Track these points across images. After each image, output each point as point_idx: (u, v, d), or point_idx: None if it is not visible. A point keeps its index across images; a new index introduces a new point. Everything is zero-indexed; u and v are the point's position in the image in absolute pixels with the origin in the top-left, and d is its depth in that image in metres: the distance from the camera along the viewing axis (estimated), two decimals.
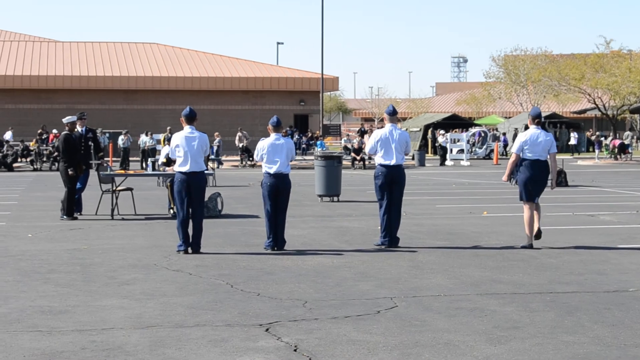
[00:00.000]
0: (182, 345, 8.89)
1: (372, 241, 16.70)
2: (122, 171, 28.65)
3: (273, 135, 15.89)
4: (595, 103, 74.24)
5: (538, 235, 15.74)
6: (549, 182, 16.12)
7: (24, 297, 11.43)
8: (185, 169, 15.36)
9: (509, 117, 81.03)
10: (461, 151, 56.30)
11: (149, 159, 28.97)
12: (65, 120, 21.56)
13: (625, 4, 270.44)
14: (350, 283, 12.38)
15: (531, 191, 15.73)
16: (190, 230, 15.33)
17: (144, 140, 52.93)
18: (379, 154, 15.98)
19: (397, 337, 9.17)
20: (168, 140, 30.27)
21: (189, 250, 15.23)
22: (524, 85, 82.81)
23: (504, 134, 67.63)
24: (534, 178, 15.72)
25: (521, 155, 15.77)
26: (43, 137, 54.92)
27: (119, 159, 51.58)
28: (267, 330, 9.53)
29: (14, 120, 64.57)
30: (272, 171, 15.64)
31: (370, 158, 52.07)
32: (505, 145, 65.81)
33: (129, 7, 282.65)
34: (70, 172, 20.79)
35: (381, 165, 15.95)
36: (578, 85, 73.96)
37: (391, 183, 15.93)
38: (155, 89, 67.32)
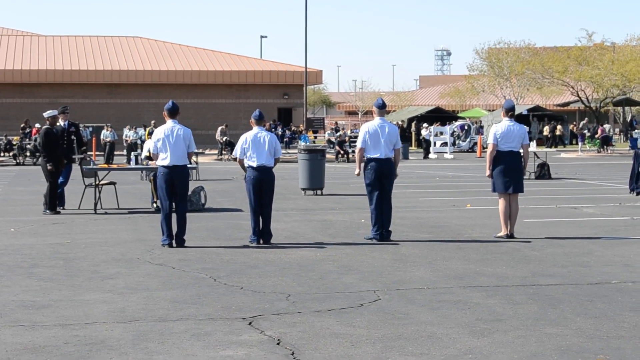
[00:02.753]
0: (165, 339, 8.88)
1: (356, 234, 16.72)
2: (105, 165, 28.58)
3: (255, 129, 15.87)
4: (578, 96, 74.45)
5: (511, 237, 15.96)
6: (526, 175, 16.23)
7: (7, 291, 11.41)
8: (167, 162, 15.32)
9: (493, 110, 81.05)
10: (445, 144, 56.37)
11: (132, 153, 28.85)
12: (46, 114, 21.47)
13: None
14: (334, 276, 12.39)
15: (506, 182, 15.88)
16: (174, 224, 15.30)
17: (127, 134, 52.83)
18: (369, 148, 15.92)
19: (380, 330, 9.18)
20: (151, 134, 30.19)
21: (173, 244, 15.21)
22: (507, 78, 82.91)
23: (481, 127, 67.65)
24: (509, 168, 15.88)
25: (497, 146, 15.92)
26: (26, 132, 54.75)
27: (102, 153, 51.44)
28: (250, 323, 9.53)
29: None
30: (255, 164, 15.61)
31: (353, 152, 52.20)
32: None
33: (112, 1, 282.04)
34: (49, 167, 20.71)
35: (370, 159, 15.92)
36: (561, 78, 74.16)
37: (381, 177, 15.90)
38: (139, 83, 67.19)
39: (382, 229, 15.90)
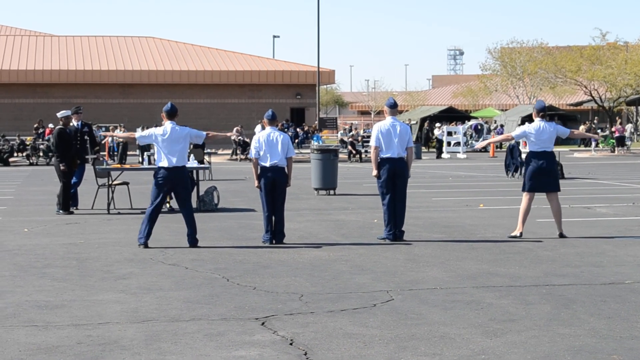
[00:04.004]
0: (178, 339, 8.89)
1: (368, 234, 16.72)
2: (118, 165, 28.60)
3: (268, 129, 15.88)
4: (591, 95, 74.28)
5: (561, 236, 16.12)
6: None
7: (20, 291, 11.44)
8: (166, 164, 15.31)
9: (505, 110, 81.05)
10: (457, 144, 56.29)
11: (145, 153, 28.89)
12: (59, 114, 21.53)
13: None
14: (347, 276, 12.39)
15: (534, 183, 15.96)
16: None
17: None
18: (382, 148, 15.90)
19: (393, 331, 9.18)
20: None
21: (148, 244, 15.23)
22: (520, 77, 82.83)
23: (502, 125, 67.55)
24: (541, 169, 15.91)
25: (528, 147, 16.16)
26: (39, 132, 54.89)
27: (116, 153, 51.51)
28: (263, 324, 9.53)
29: (11, 114, 64.53)
30: (268, 164, 15.62)
31: (366, 151, 52.15)
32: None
33: (125, 1, 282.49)
34: (62, 167, 20.77)
35: (383, 158, 15.91)
36: (574, 77, 74.01)
37: (394, 176, 15.87)
38: (152, 83, 67.30)
39: (395, 229, 15.90)
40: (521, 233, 16.08)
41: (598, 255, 14.09)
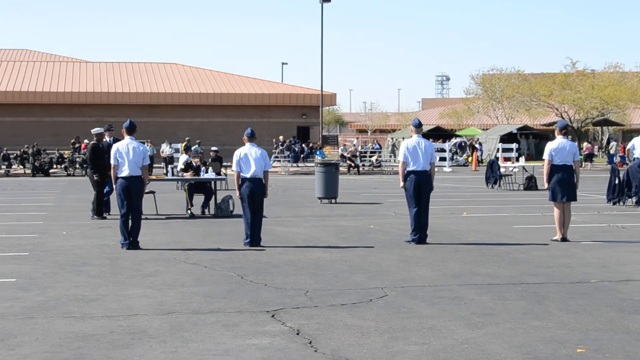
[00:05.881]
0: (199, 329, 8.92)
1: (366, 238, 16.73)
2: None
3: (248, 145, 15.92)
4: (562, 116, 74.05)
5: (564, 240, 16.10)
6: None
7: (60, 287, 11.47)
8: (124, 174, 15.36)
9: (486, 129, 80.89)
10: (444, 159, 56.25)
11: (169, 166, 28.90)
12: (93, 131, 21.63)
13: (589, 29, 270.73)
14: (346, 275, 12.40)
15: (559, 192, 16.06)
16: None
17: (164, 149, 52.93)
18: (409, 162, 15.89)
19: (387, 323, 9.20)
20: (186, 149, 30.25)
21: (130, 245, 15.24)
22: (499, 100, 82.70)
23: (481, 143, 67.49)
24: (562, 180, 16.06)
25: (551, 161, 16.14)
26: (76, 146, 54.88)
27: None
28: (273, 316, 9.56)
29: (51, 131, 64.54)
30: (248, 175, 15.67)
31: (364, 165, 52.12)
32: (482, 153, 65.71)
33: (151, 31, 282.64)
34: (95, 178, 20.85)
35: (409, 171, 15.92)
36: (547, 100, 73.87)
37: (419, 187, 15.86)
38: (175, 104, 67.18)
39: (420, 233, 15.92)
40: (562, 237, 16.11)
41: (567, 258, 14.10)
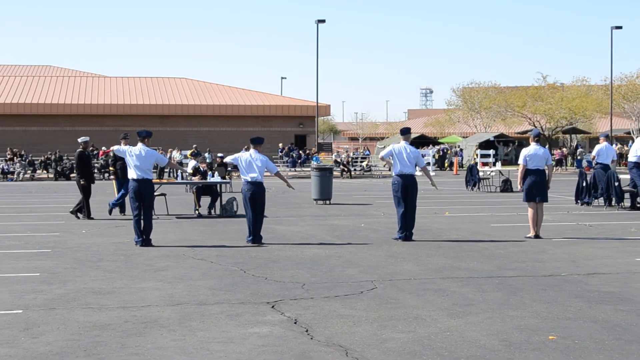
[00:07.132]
0: (205, 318, 8.89)
1: (357, 236, 16.70)
2: (157, 180, 28.60)
3: (252, 151, 15.89)
4: (534, 125, 74.13)
5: (537, 237, 16.09)
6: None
7: (79, 280, 11.43)
8: (135, 176, 15.32)
9: (466, 137, 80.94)
10: (428, 164, 56.25)
11: (178, 171, 28.89)
12: (80, 139, 21.31)
13: (559, 47, 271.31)
14: (339, 269, 12.38)
15: (532, 193, 16.05)
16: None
17: (174, 155, 52.84)
18: (396, 166, 15.86)
19: (377, 312, 9.18)
20: (194, 155, 30.20)
21: (143, 242, 15.17)
22: (478, 111, 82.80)
23: (462, 149, 67.50)
24: (535, 183, 16.09)
25: (526, 165, 16.15)
26: (94, 153, 54.79)
27: (155, 170, 51.38)
28: (273, 307, 9.53)
29: (72, 139, 64.38)
30: (249, 179, 15.64)
31: (355, 169, 52.06)
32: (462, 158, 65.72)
33: (163, 49, 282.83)
34: (82, 182, 20.66)
35: (397, 174, 15.90)
36: (521, 111, 73.96)
37: (406, 189, 15.83)
38: (184, 115, 67.14)
39: (406, 231, 15.88)
40: (534, 235, 16.11)
41: (540, 253, 14.09)
